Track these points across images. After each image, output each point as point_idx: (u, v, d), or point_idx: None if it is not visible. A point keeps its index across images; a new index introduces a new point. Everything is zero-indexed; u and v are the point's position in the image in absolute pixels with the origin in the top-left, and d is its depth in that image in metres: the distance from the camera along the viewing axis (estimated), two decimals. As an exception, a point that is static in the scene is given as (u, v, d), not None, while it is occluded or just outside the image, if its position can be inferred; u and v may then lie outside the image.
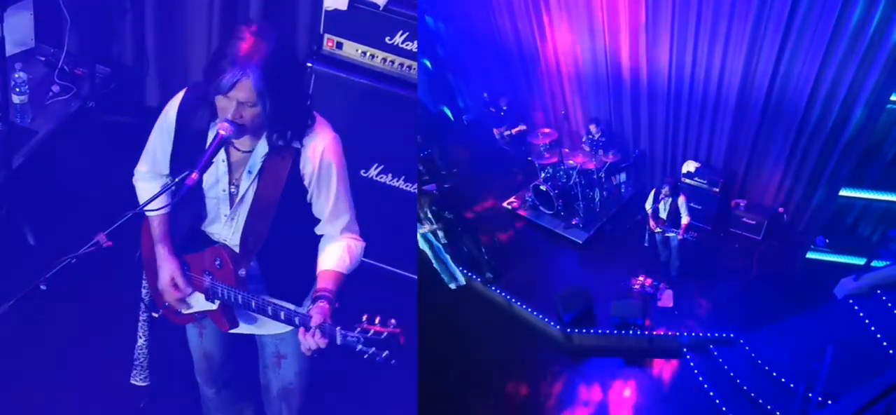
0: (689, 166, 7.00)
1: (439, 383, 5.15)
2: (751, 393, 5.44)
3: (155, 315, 3.44)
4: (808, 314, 5.80)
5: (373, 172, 4.77)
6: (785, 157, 6.58)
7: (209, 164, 2.73)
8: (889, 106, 5.72)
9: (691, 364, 5.81)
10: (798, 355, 5.37)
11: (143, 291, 3.43)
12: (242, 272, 3.01)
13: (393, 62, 4.57)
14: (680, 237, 6.23)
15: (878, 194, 6.16)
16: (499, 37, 8.11)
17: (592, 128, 7.41)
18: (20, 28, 5.00)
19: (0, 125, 4.49)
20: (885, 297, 5.65)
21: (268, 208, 2.92)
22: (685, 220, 6.20)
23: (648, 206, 6.39)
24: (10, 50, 4.70)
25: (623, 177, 7.57)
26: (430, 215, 6.43)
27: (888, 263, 5.88)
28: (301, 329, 2.82)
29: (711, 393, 5.57)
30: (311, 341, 2.78)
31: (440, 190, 7.04)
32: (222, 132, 2.68)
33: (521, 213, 7.56)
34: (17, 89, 4.73)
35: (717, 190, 6.91)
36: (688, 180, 6.94)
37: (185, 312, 3.21)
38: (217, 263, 3.02)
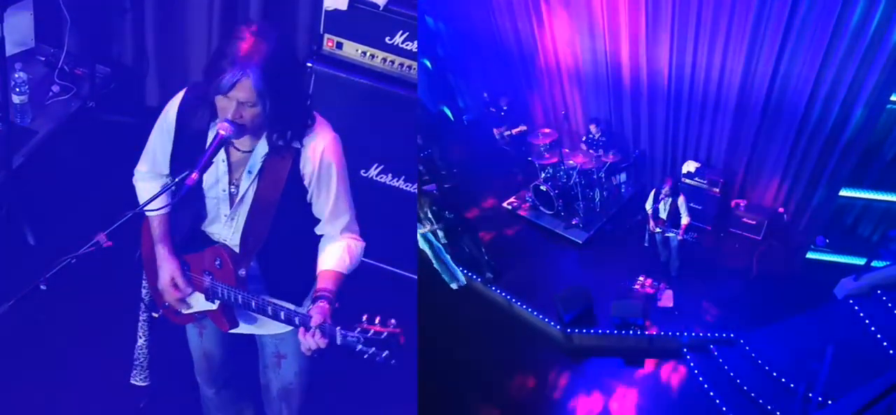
0: (689, 166, 7.00)
1: (439, 383, 5.15)
2: (751, 393, 5.44)
3: (155, 315, 3.44)
4: (808, 314, 5.80)
5: (373, 172, 4.76)
6: (785, 157, 6.58)
7: (209, 164, 2.73)
8: (889, 106, 5.72)
9: (691, 364, 5.81)
10: (798, 355, 5.37)
11: (143, 291, 3.43)
12: (242, 272, 3.01)
13: (393, 62, 4.57)
14: (680, 237, 6.23)
15: (878, 194, 6.16)
16: (499, 37, 8.11)
17: (592, 128, 7.42)
18: (20, 28, 4.99)
19: (0, 125, 4.48)
20: (885, 297, 5.66)
21: (268, 208, 2.92)
22: (685, 220, 6.20)
23: (648, 206, 6.40)
24: (10, 50, 4.70)
25: (623, 177, 7.57)
26: (430, 215, 6.43)
27: (888, 263, 5.88)
28: (301, 329, 2.82)
29: (711, 393, 5.57)
30: (310, 341, 2.78)
31: (440, 190, 7.05)
32: (222, 132, 2.68)
33: (521, 213, 7.56)
34: (17, 89, 4.73)
35: (717, 190, 6.91)
36: (688, 180, 6.94)
37: (185, 312, 3.21)
38: (217, 263, 3.02)
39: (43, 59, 5.15)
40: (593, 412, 5.59)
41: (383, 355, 2.68)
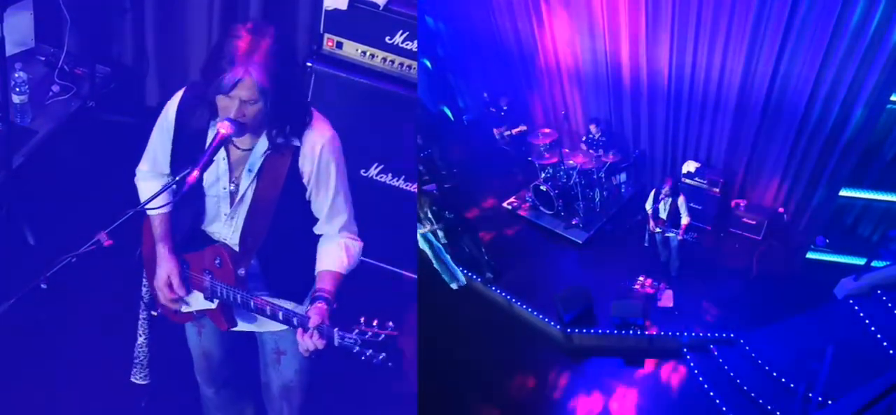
0: (689, 166, 7.00)
1: (439, 383, 5.15)
2: (751, 393, 5.44)
3: (154, 314, 3.44)
4: (808, 314, 5.80)
5: (373, 172, 4.76)
6: (785, 157, 6.58)
7: (210, 162, 2.74)
8: (889, 106, 5.72)
9: (691, 364, 5.81)
10: (798, 355, 5.37)
11: (143, 290, 3.43)
12: (242, 271, 3.01)
13: (393, 62, 4.57)
14: (680, 237, 6.23)
15: (878, 194, 6.16)
16: (499, 37, 8.11)
17: (592, 128, 7.42)
18: (20, 28, 4.99)
19: (0, 125, 4.48)
20: (885, 297, 5.66)
21: (267, 207, 2.93)
22: (685, 220, 6.20)
23: (648, 206, 6.40)
24: (10, 50, 4.70)
25: (623, 177, 7.57)
26: (430, 215, 6.44)
27: (888, 263, 5.88)
28: (299, 330, 2.83)
29: (711, 393, 5.57)
30: (308, 342, 2.79)
31: (440, 190, 7.05)
32: (223, 131, 2.68)
33: (521, 213, 7.56)
34: (17, 89, 4.73)
35: (717, 190, 6.91)
36: (688, 180, 6.94)
37: (183, 310, 3.21)
38: (217, 262, 3.02)
39: (43, 59, 5.15)
40: (593, 412, 5.59)
41: (380, 357, 2.68)
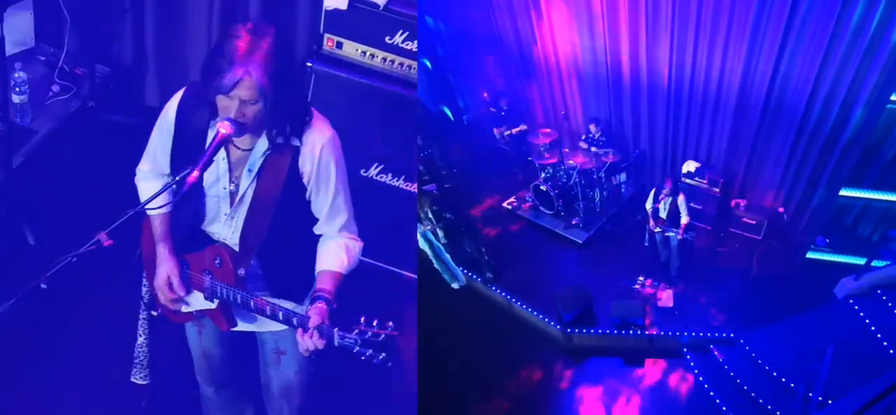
0: (689, 166, 7.00)
1: (439, 383, 5.15)
2: (751, 393, 5.44)
3: (154, 314, 3.44)
4: (808, 314, 5.80)
5: (373, 172, 4.76)
6: (785, 157, 6.58)
7: (210, 162, 2.74)
8: (889, 106, 5.72)
9: (691, 364, 5.81)
10: (798, 355, 5.37)
11: (143, 290, 3.43)
12: (242, 271, 3.01)
13: (393, 62, 4.57)
14: (679, 237, 6.23)
15: (878, 194, 6.16)
16: (499, 37, 8.11)
17: (592, 127, 7.42)
18: (20, 28, 4.99)
19: (0, 125, 4.48)
20: (885, 297, 5.66)
21: (267, 207, 2.93)
22: (685, 219, 6.20)
23: (648, 205, 6.40)
24: (10, 50, 4.70)
25: (623, 177, 7.57)
26: (430, 215, 6.44)
27: (888, 263, 5.88)
28: (299, 330, 2.83)
29: (711, 393, 5.57)
30: (308, 342, 2.79)
31: (440, 190, 7.05)
32: (223, 131, 2.68)
33: (521, 213, 7.56)
34: (17, 89, 4.73)
35: (717, 190, 6.91)
36: (688, 180, 6.94)
37: (183, 310, 3.21)
38: (217, 262, 3.02)
39: (43, 58, 5.15)
40: (593, 412, 5.59)
41: (380, 357, 2.68)
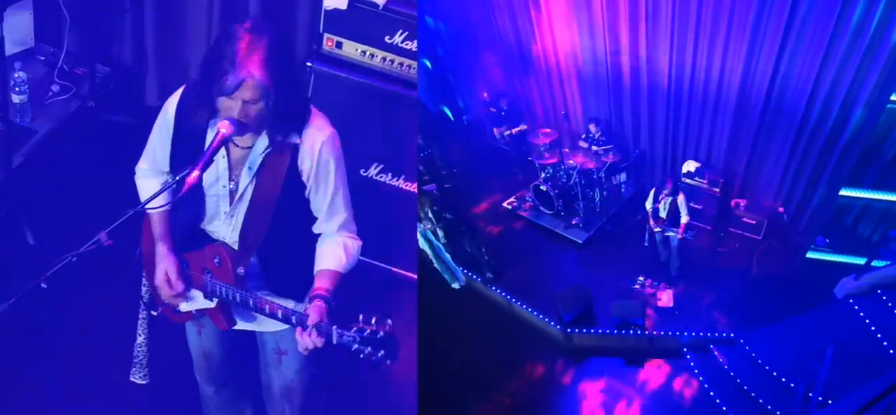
0: (689, 166, 7.00)
1: (439, 383, 5.15)
2: (751, 393, 5.44)
3: (154, 313, 3.44)
4: (808, 314, 5.80)
5: (373, 172, 4.76)
6: (785, 157, 6.58)
7: (210, 162, 2.74)
8: (889, 106, 5.72)
9: (691, 364, 5.81)
10: (798, 355, 5.37)
11: (143, 289, 3.43)
12: (241, 270, 3.01)
13: (393, 61, 4.57)
14: (679, 236, 6.23)
15: (878, 194, 6.16)
16: (499, 37, 8.10)
17: (592, 127, 7.42)
18: (20, 28, 4.99)
19: (0, 125, 4.48)
20: (885, 297, 5.66)
21: (267, 205, 2.93)
22: (684, 219, 6.20)
23: (648, 205, 6.40)
24: (10, 49, 4.69)
25: (623, 177, 7.57)
26: (430, 215, 6.44)
27: (888, 263, 5.88)
28: (298, 328, 2.83)
29: (711, 393, 5.56)
30: (307, 341, 2.79)
31: (440, 190, 7.04)
32: (223, 131, 2.68)
33: (522, 213, 7.56)
34: (17, 89, 4.73)
35: (717, 190, 6.91)
36: (688, 180, 6.94)
37: (183, 309, 3.21)
38: (216, 260, 3.02)
39: (42, 58, 5.15)
40: (593, 413, 5.59)
41: (379, 354, 2.68)
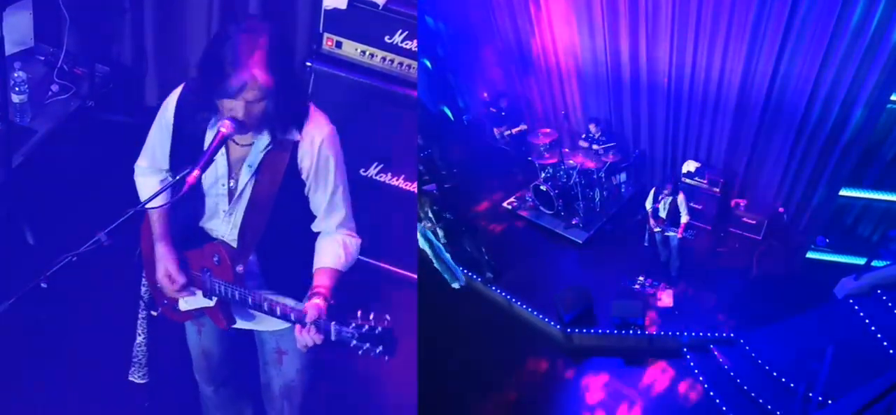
0: (689, 166, 7.00)
1: (439, 383, 5.14)
2: (751, 393, 5.44)
3: (154, 314, 3.43)
4: (808, 314, 5.80)
5: (372, 172, 4.76)
6: (785, 157, 6.57)
7: (210, 162, 2.74)
8: (889, 106, 5.72)
9: (691, 364, 5.81)
10: (798, 355, 5.37)
11: (143, 289, 3.43)
12: (240, 268, 3.01)
13: (392, 61, 4.57)
14: (679, 236, 6.23)
15: (878, 194, 6.16)
16: (499, 37, 8.10)
17: (592, 127, 7.42)
18: (20, 28, 4.99)
19: (0, 125, 4.48)
20: (885, 297, 5.66)
21: (266, 203, 2.93)
22: (684, 219, 6.20)
23: (648, 204, 6.40)
24: (10, 49, 4.70)
25: (623, 177, 7.57)
26: (430, 215, 6.44)
27: (888, 263, 5.88)
28: (297, 325, 2.83)
29: (711, 393, 5.56)
30: (306, 338, 2.79)
31: (440, 190, 7.05)
32: (224, 131, 2.68)
33: (522, 213, 7.56)
34: (17, 89, 4.73)
35: (717, 190, 6.91)
36: (688, 180, 6.94)
37: (183, 308, 3.21)
38: (215, 259, 3.02)
39: (42, 58, 5.15)
40: (593, 413, 5.58)
41: (378, 350, 2.68)
